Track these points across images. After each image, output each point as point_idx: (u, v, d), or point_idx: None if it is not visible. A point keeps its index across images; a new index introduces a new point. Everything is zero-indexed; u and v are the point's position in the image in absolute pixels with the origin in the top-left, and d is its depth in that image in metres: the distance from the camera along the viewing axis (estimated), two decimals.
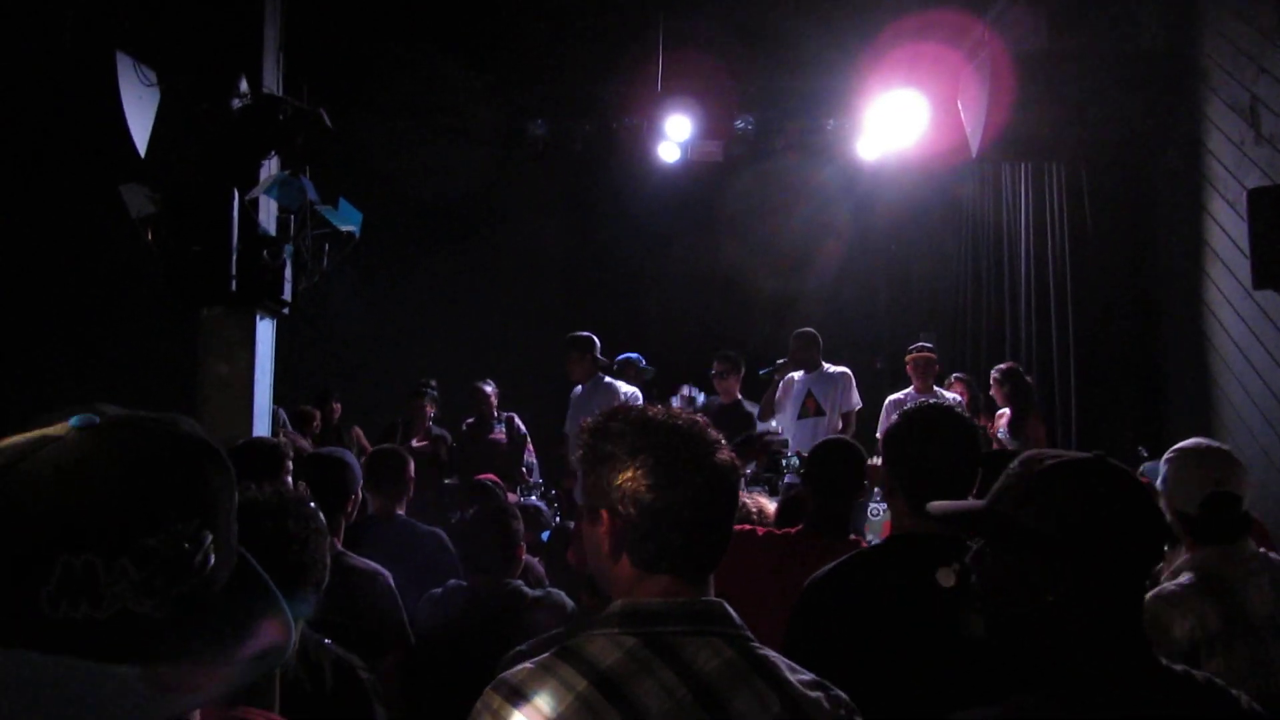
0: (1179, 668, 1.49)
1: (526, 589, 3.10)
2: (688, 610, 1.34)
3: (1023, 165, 7.63)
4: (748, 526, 3.30)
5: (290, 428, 7.18)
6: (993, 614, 1.57)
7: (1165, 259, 6.82)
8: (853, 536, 3.25)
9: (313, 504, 1.96)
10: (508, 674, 1.35)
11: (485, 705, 1.33)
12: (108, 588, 0.83)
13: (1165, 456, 2.80)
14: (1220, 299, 6.13)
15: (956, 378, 7.52)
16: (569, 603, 3.06)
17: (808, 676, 1.35)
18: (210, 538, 0.89)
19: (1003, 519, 1.52)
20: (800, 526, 3.17)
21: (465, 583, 3.17)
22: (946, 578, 2.17)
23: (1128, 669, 1.45)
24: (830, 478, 3.23)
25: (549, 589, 3.13)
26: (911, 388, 7.09)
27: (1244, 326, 5.89)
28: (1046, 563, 1.46)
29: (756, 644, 1.36)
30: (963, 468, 2.33)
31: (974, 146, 6.41)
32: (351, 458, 3.63)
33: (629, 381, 7.22)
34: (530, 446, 7.54)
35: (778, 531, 3.20)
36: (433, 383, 7.70)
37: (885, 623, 2.18)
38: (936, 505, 1.76)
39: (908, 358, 7.21)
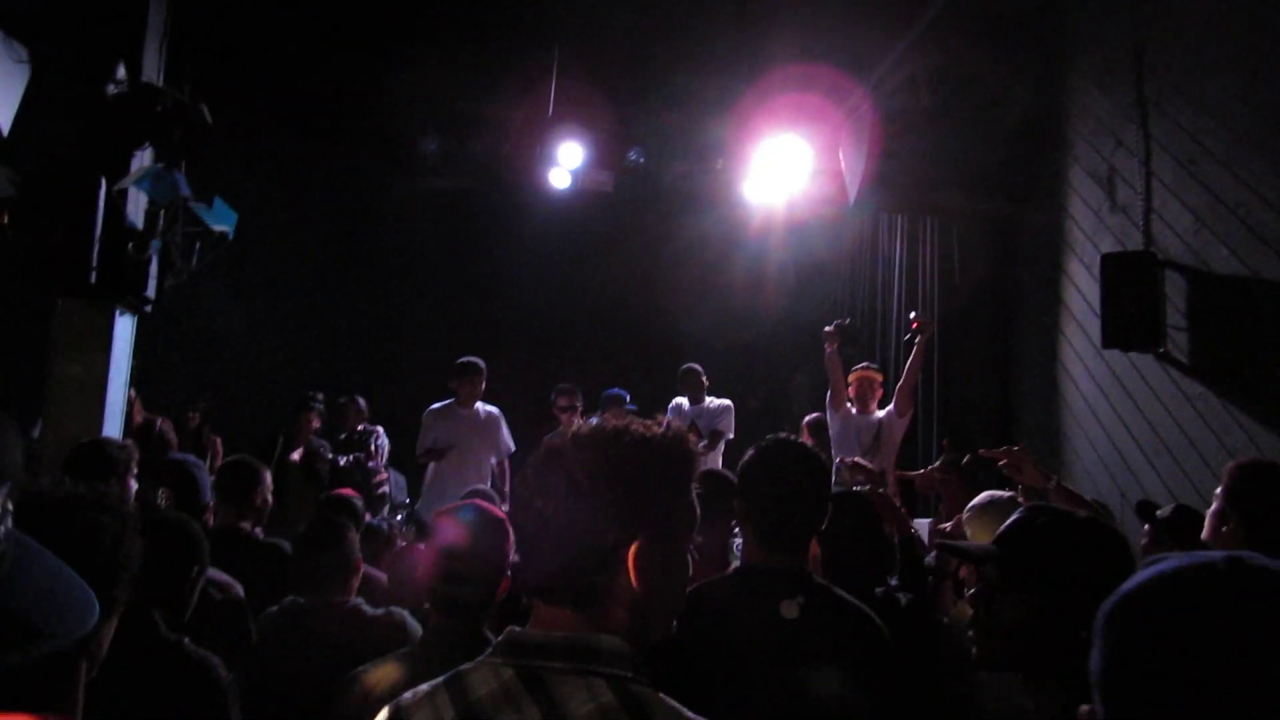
0: None
1: (366, 608, 3.03)
2: (570, 645, 1.22)
3: (899, 215, 7.92)
4: None
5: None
6: (1008, 647, 1.72)
7: (1025, 314, 7.15)
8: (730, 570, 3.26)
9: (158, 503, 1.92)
10: (405, 694, 1.29)
11: None
12: None
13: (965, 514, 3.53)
14: (1073, 355, 6.46)
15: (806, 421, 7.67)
16: (410, 621, 3.00)
17: None
18: None
19: (1048, 562, 1.69)
20: None
21: (303, 600, 3.08)
22: (790, 609, 2.23)
23: None
24: (704, 506, 3.26)
25: (390, 608, 3.06)
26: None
27: (1093, 383, 6.21)
28: (1083, 604, 1.60)
29: (647, 689, 1.21)
30: (812, 502, 2.39)
31: (851, 195, 6.64)
32: (202, 467, 3.52)
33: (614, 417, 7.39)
34: (382, 465, 7.45)
35: None
36: (319, 395, 7.52)
37: (730, 650, 2.20)
38: (956, 544, 1.88)
39: (850, 376, 6.67)
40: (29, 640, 0.89)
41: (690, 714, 1.20)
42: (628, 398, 7.93)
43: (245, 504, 3.95)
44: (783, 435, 2.59)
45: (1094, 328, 5.99)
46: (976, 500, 3.58)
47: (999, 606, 1.71)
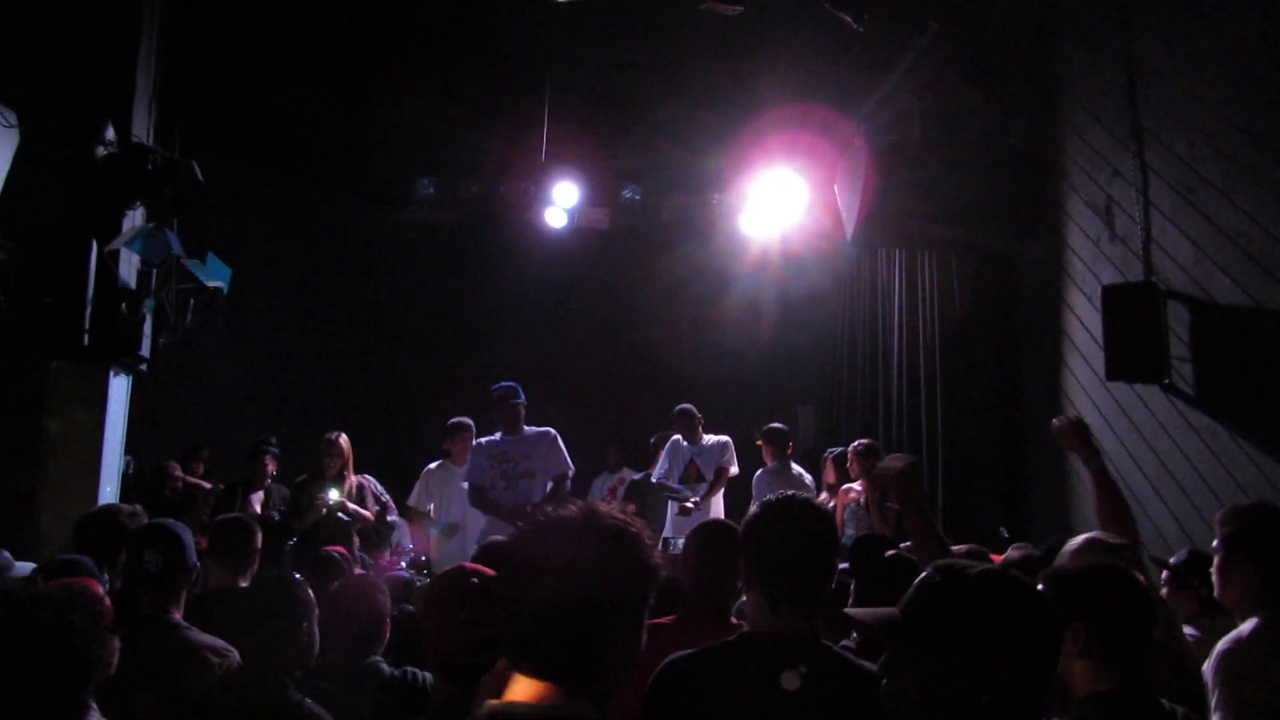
0: None
1: (385, 667, 2.95)
2: (551, 716, 1.27)
3: (897, 249, 7.87)
4: None
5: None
6: (922, 715, 1.62)
7: (1028, 347, 7.09)
8: (735, 620, 3.16)
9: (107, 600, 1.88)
10: None
11: None
12: None
13: None
14: (1077, 387, 6.39)
15: (829, 456, 7.62)
16: (430, 684, 2.89)
17: None
18: None
19: (943, 627, 1.59)
20: (678, 615, 3.08)
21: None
22: (790, 681, 2.14)
23: None
24: (707, 560, 3.17)
25: (407, 669, 2.97)
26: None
27: (1099, 415, 6.13)
28: (982, 665, 1.54)
29: None
30: (823, 562, 2.29)
31: (848, 230, 6.60)
32: (185, 528, 3.47)
33: None
34: (394, 511, 7.27)
35: (658, 622, 3.10)
36: (273, 439, 7.30)
37: None
38: (857, 612, 1.78)
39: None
40: None
41: None
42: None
43: (244, 562, 3.94)
44: (790, 493, 2.50)
45: (1098, 359, 5.92)
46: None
47: (903, 676, 1.63)
